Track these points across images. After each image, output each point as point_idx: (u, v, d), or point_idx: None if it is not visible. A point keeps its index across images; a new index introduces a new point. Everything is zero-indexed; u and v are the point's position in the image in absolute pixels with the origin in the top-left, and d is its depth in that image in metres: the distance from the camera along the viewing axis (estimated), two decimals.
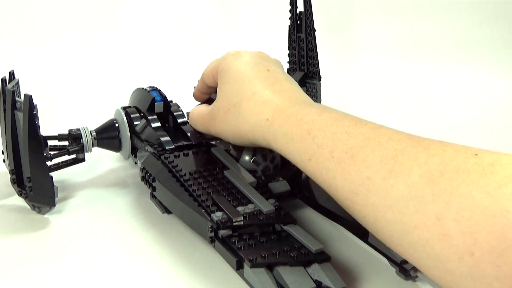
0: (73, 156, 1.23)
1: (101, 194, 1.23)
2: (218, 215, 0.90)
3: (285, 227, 0.91)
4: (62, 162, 1.21)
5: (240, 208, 0.92)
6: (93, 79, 2.02)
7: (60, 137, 1.24)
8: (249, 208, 0.93)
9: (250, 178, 1.02)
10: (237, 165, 1.07)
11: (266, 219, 0.91)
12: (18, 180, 1.12)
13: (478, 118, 1.78)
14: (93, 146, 1.25)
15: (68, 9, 2.18)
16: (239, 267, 0.85)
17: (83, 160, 1.23)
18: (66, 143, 1.24)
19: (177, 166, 1.06)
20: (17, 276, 0.93)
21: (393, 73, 2.15)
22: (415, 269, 0.90)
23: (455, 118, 1.78)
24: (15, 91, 1.10)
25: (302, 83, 1.49)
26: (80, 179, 1.30)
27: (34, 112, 1.06)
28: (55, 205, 1.13)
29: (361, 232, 0.97)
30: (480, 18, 2.16)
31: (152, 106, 1.25)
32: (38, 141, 1.07)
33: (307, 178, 1.09)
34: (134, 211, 1.15)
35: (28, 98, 1.03)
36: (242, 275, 0.85)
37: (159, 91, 1.29)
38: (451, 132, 1.65)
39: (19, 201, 1.17)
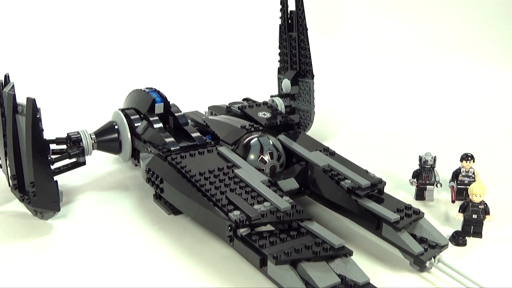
0: (73, 159, 1.20)
1: (103, 197, 1.22)
2: (235, 214, 0.91)
3: (303, 224, 0.92)
4: (63, 166, 1.19)
5: (256, 207, 0.93)
6: (84, 82, 2.00)
7: (58, 141, 1.22)
8: (265, 206, 0.93)
9: (263, 177, 1.03)
10: (246, 163, 1.08)
11: (284, 216, 0.91)
12: (19, 185, 1.10)
13: (475, 117, 1.81)
14: (92, 149, 1.23)
15: (62, 11, 2.15)
16: (262, 264, 0.86)
17: (83, 163, 1.21)
18: (64, 146, 1.22)
19: (185, 166, 1.05)
20: (29, 284, 0.91)
21: (386, 71, 2.18)
22: (431, 261, 0.92)
23: (450, 117, 1.81)
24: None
25: (294, 81, 1.51)
26: (79, 182, 1.28)
27: (38, 116, 1.04)
28: (59, 210, 1.11)
29: (373, 226, 0.99)
30: (474, 16, 2.22)
31: (153, 107, 1.24)
32: (42, 146, 1.05)
33: (314, 175, 1.11)
34: (139, 213, 1.15)
35: (32, 101, 1.01)
36: (265, 273, 0.86)
37: (158, 92, 1.29)
38: (445, 131, 1.69)
39: (19, 207, 1.15)
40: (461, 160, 1.19)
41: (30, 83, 1.70)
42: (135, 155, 1.27)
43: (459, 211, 1.06)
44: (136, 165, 1.30)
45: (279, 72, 1.60)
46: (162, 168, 1.09)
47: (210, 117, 1.37)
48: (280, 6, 1.51)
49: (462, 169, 1.20)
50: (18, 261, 0.97)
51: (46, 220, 1.11)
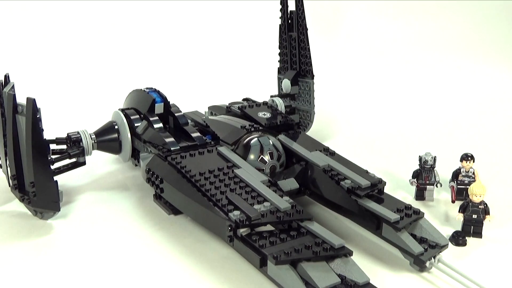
0: (73, 159, 1.20)
1: (103, 197, 1.22)
2: (236, 214, 0.91)
3: (303, 224, 0.92)
4: (63, 166, 1.19)
5: (256, 207, 0.93)
6: (84, 82, 2.00)
7: (58, 141, 1.22)
8: (265, 206, 0.93)
9: (262, 177, 1.03)
10: (246, 163, 1.08)
11: (284, 216, 0.91)
12: (19, 185, 1.10)
13: (475, 117, 1.81)
14: (92, 149, 1.23)
15: (62, 12, 2.15)
16: (262, 264, 0.86)
17: (83, 163, 1.21)
18: (64, 146, 1.22)
19: (185, 166, 1.05)
20: (29, 284, 0.91)
21: (386, 71, 2.18)
22: (431, 261, 0.92)
23: (450, 117, 1.81)
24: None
25: (294, 81, 1.51)
26: (79, 182, 1.28)
27: (38, 116, 1.04)
28: (59, 210, 1.11)
29: (373, 226, 0.99)
30: (475, 16, 2.22)
31: (153, 107, 1.24)
32: (42, 146, 1.05)
33: (314, 175, 1.11)
34: (139, 213, 1.15)
35: (32, 101, 1.01)
36: (265, 273, 0.86)
37: (158, 92, 1.29)
38: (445, 131, 1.68)
39: (19, 207, 1.15)
40: (461, 160, 1.19)
41: (30, 83, 1.70)
42: (135, 155, 1.27)
43: (459, 211, 1.06)
44: (136, 165, 1.30)
45: (279, 72, 1.60)
46: (162, 168, 1.09)
47: (210, 117, 1.37)
48: (280, 6, 1.51)
49: (462, 169, 1.20)
50: (18, 261, 0.97)
51: (46, 220, 1.11)
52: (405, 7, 2.31)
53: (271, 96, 1.52)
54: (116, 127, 1.26)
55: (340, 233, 1.04)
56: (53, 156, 1.16)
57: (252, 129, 1.20)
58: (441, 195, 1.22)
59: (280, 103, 1.49)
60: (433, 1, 2.28)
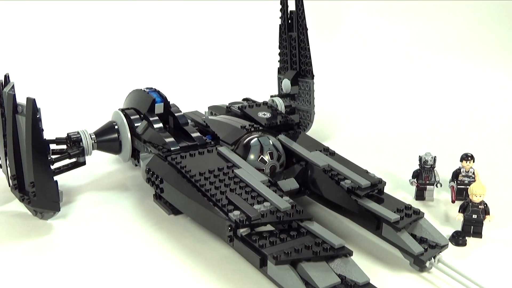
0: (73, 159, 1.20)
1: (103, 197, 1.22)
2: (235, 214, 0.91)
3: (302, 224, 0.92)
4: (63, 166, 1.19)
5: (256, 207, 0.93)
6: (84, 82, 2.00)
7: (58, 141, 1.22)
8: (265, 206, 0.93)
9: (262, 177, 1.03)
10: (246, 163, 1.08)
11: (284, 216, 0.91)
12: (19, 185, 1.10)
13: (475, 117, 1.81)
14: (92, 149, 1.23)
15: (62, 11, 2.15)
16: (262, 264, 0.86)
17: (83, 163, 1.21)
18: (64, 146, 1.22)
19: (185, 166, 1.05)
20: (29, 284, 0.91)
21: (386, 71, 2.18)
22: (431, 261, 0.92)
23: (450, 117, 1.81)
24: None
25: (294, 81, 1.51)
26: (79, 182, 1.28)
27: (38, 116, 1.04)
28: (59, 210, 1.11)
29: (373, 226, 0.99)
30: (475, 16, 2.22)
31: (153, 107, 1.24)
32: (42, 146, 1.06)
33: (314, 175, 1.11)
34: (139, 213, 1.15)
35: (32, 101, 1.01)
36: (265, 273, 0.86)
37: (158, 92, 1.29)
38: (445, 131, 1.69)
39: (19, 207, 1.15)
40: (461, 160, 1.20)
41: (30, 83, 1.70)
42: (135, 155, 1.27)
43: (459, 211, 1.06)
44: (136, 165, 1.30)
45: (279, 72, 1.60)
46: (162, 168, 1.09)
47: (210, 117, 1.37)
48: (280, 6, 1.51)
49: (462, 169, 1.20)
50: (18, 261, 0.97)
51: (46, 220, 1.11)
52: (405, 7, 2.32)
53: (271, 96, 1.52)
54: (116, 127, 1.26)
55: (340, 233, 1.04)
56: (53, 156, 1.16)
57: (252, 129, 1.20)
58: (441, 195, 1.22)
59: (280, 103, 1.49)
60: (433, 1, 2.28)
